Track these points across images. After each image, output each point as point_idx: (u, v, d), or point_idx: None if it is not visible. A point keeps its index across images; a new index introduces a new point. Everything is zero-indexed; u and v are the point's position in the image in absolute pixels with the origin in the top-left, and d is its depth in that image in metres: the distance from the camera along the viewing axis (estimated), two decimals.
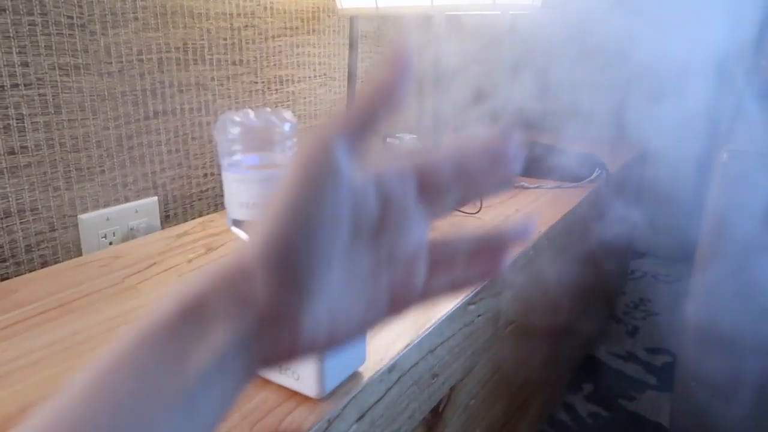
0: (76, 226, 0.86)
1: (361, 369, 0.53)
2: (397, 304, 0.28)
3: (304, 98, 1.23)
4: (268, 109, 0.48)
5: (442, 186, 0.28)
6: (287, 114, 0.47)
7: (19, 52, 0.76)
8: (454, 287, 0.29)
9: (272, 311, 0.24)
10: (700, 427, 1.11)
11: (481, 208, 0.99)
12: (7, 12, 0.74)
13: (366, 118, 0.25)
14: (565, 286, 1.11)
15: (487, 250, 0.29)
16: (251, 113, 0.47)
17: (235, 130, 0.46)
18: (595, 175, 1.18)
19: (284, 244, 0.23)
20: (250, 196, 0.46)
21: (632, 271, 1.96)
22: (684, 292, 1.78)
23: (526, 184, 1.15)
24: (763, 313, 0.98)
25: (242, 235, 0.48)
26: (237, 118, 0.46)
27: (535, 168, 1.18)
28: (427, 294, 0.29)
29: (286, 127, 0.47)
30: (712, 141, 1.82)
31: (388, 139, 1.22)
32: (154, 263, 0.78)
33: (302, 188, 0.23)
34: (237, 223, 0.47)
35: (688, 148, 1.88)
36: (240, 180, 0.46)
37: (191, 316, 0.24)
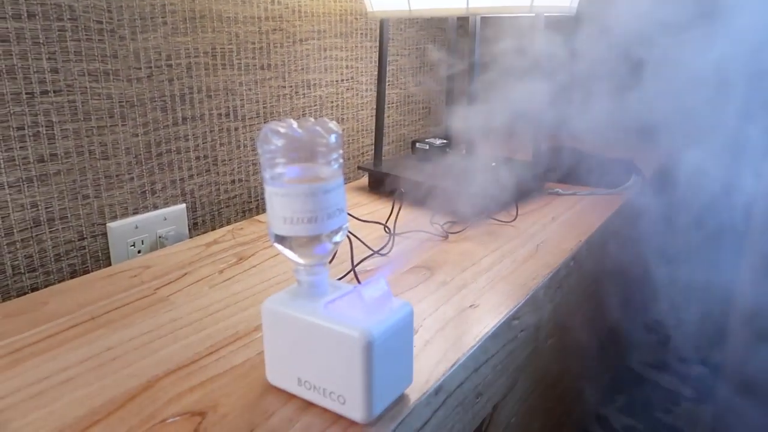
0: (104, 234, 0.84)
1: (407, 391, 0.51)
2: None
3: (332, 102, 1.21)
4: (312, 119, 0.45)
5: None
6: (333, 124, 0.45)
7: (49, 59, 0.74)
8: None
9: None
10: None
11: (517, 216, 0.96)
12: (37, 17, 0.73)
13: None
14: (602, 296, 1.07)
15: None
16: (295, 123, 0.45)
17: (279, 142, 0.44)
18: (631, 181, 1.14)
19: None
20: (293, 210, 0.44)
21: (663, 279, 1.91)
22: (717, 300, 1.72)
23: (560, 191, 1.11)
24: None
25: (286, 252, 0.46)
26: (281, 129, 0.44)
27: (569, 174, 1.15)
28: None
29: (332, 138, 0.44)
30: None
31: (418, 145, 1.20)
32: (186, 273, 0.76)
33: None
34: (280, 238, 0.45)
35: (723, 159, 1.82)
36: (283, 194, 0.44)
37: None
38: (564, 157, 1.24)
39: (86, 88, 0.79)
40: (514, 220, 0.95)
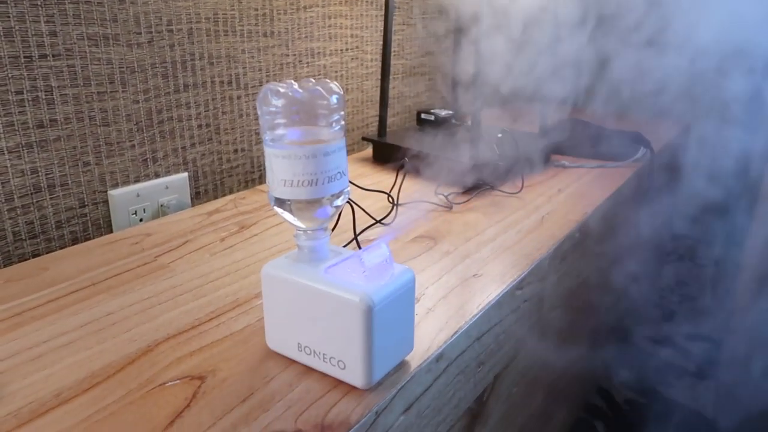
0: (106, 202, 0.84)
1: (408, 358, 0.50)
2: None
3: (336, 72, 1.19)
4: (312, 80, 0.44)
5: None
6: (334, 85, 0.44)
7: (47, 21, 0.73)
8: None
9: None
10: (747, 419, 1.07)
11: (522, 187, 0.95)
12: None
13: None
14: (607, 269, 1.07)
15: None
16: (295, 84, 0.44)
17: (279, 102, 0.42)
18: (640, 154, 1.12)
19: None
20: (294, 173, 0.43)
21: (668, 254, 1.90)
22: (721, 275, 1.71)
23: (566, 163, 1.10)
24: None
25: (286, 216, 0.45)
26: (281, 89, 0.42)
27: (576, 146, 1.13)
28: None
29: (334, 99, 0.43)
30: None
31: (423, 116, 1.18)
32: (187, 241, 0.76)
33: None
34: (280, 202, 0.44)
35: (734, 129, 1.79)
36: (283, 156, 0.43)
37: None
38: (571, 129, 1.22)
39: (86, 52, 0.77)
40: (520, 191, 0.94)
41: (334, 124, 0.44)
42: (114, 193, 0.84)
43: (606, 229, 0.96)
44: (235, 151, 1.01)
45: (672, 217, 1.71)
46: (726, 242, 1.84)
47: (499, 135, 1.03)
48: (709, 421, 1.15)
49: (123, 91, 0.83)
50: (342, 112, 0.45)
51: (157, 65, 0.86)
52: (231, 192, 1.02)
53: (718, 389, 1.13)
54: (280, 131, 0.44)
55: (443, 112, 1.16)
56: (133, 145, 0.86)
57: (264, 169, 1.07)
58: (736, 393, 1.08)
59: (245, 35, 0.98)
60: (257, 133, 1.04)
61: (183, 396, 0.46)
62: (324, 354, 0.45)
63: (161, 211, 0.90)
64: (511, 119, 1.21)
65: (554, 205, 0.89)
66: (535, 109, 1.14)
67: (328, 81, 0.44)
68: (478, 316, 0.58)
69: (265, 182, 1.07)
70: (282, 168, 0.43)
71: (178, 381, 0.48)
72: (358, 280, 0.44)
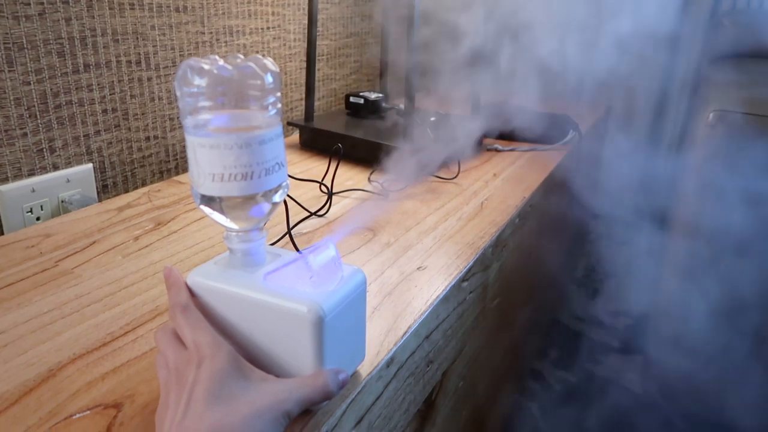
0: None
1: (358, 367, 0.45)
2: None
3: (257, 52, 1.11)
4: (241, 56, 0.38)
5: None
6: (268, 62, 0.38)
7: None
8: None
9: None
10: (671, 391, 1.11)
11: (459, 173, 0.92)
12: None
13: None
14: (539, 253, 1.06)
15: None
16: (220, 60, 0.37)
17: (201, 81, 0.36)
18: (569, 137, 1.12)
19: None
20: (224, 165, 0.36)
21: (588, 233, 1.96)
22: (639, 253, 1.79)
23: (499, 147, 1.08)
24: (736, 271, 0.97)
25: (215, 216, 0.39)
26: (204, 66, 0.36)
27: (507, 130, 1.11)
28: None
29: (269, 78, 0.37)
30: (666, 105, 1.81)
31: (352, 99, 1.12)
32: (94, 242, 0.67)
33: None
34: (207, 200, 0.37)
35: (646, 110, 1.87)
36: (210, 145, 0.36)
37: None
38: (502, 112, 1.21)
39: None
40: (456, 177, 0.91)
41: (269, 108, 0.38)
42: (3, 189, 0.73)
43: (540, 213, 0.95)
44: (147, 138, 0.92)
45: (598, 197, 1.76)
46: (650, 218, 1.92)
47: (433, 119, 1.00)
48: (636, 396, 1.19)
49: (10, 71, 0.71)
50: (278, 94, 0.39)
51: (51, 41, 0.75)
52: (144, 184, 0.92)
53: (644, 364, 1.17)
54: (204, 116, 0.37)
55: (373, 95, 1.11)
56: (25, 134, 0.75)
57: (181, 157, 0.98)
58: (662, 367, 1.12)
59: (154, 10, 0.88)
60: (172, 119, 0.95)
61: (95, 430, 0.39)
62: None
63: (62, 208, 0.80)
64: (440, 103, 1.17)
65: (492, 190, 0.87)
66: (465, 93, 1.12)
67: (261, 57, 0.38)
68: (426, 313, 0.54)
69: (182, 172, 0.98)
70: (209, 160, 0.37)
71: (88, 411, 0.40)
72: (304, 286, 0.38)
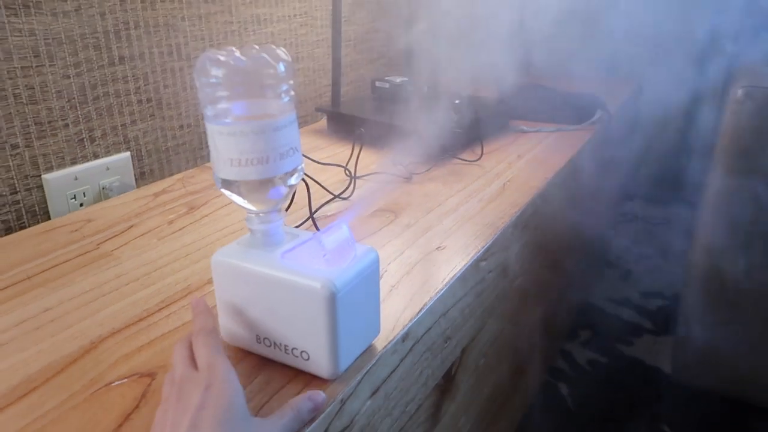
0: (40, 187, 0.78)
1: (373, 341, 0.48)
2: None
3: (285, 39, 1.13)
4: (257, 47, 0.40)
5: None
6: (281, 51, 0.40)
7: None
8: None
9: None
10: (703, 373, 1.10)
11: (482, 154, 0.93)
12: None
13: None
14: (567, 234, 1.07)
15: None
16: (237, 51, 0.39)
17: (219, 72, 0.38)
18: (597, 116, 1.11)
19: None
20: (241, 151, 0.39)
21: (622, 214, 1.94)
22: (675, 233, 1.76)
23: (525, 128, 1.08)
24: None
25: (235, 199, 0.41)
26: (221, 57, 0.38)
27: (534, 111, 1.11)
28: None
29: (281, 67, 0.39)
30: (702, 83, 1.76)
31: (377, 83, 1.14)
32: (132, 226, 0.71)
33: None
34: (227, 183, 0.40)
35: (681, 89, 1.82)
36: (228, 132, 0.39)
37: None
38: (528, 93, 1.20)
39: (4, 23, 0.70)
40: (480, 159, 0.92)
41: (283, 95, 0.40)
42: (49, 177, 0.78)
43: (566, 194, 0.96)
44: (181, 127, 0.96)
45: (627, 178, 1.74)
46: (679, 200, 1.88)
47: (457, 101, 1.01)
48: (666, 376, 1.18)
49: (51, 65, 0.76)
50: (291, 82, 0.41)
51: (87, 36, 0.79)
52: (178, 171, 0.96)
53: (675, 345, 1.16)
54: (222, 105, 0.40)
55: (398, 80, 1.12)
56: (67, 125, 0.79)
57: None
58: (692, 348, 1.11)
59: (184, 2, 0.91)
60: None
61: (131, 396, 0.42)
62: (286, 346, 0.42)
63: (103, 195, 0.84)
64: (467, 85, 1.18)
65: (515, 172, 0.87)
66: (492, 75, 1.12)
67: (274, 47, 0.40)
68: (443, 291, 0.56)
69: None
70: (227, 146, 0.40)
71: (125, 380, 0.44)
72: (319, 264, 0.41)
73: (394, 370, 0.50)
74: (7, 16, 0.70)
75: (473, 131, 0.95)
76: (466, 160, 0.91)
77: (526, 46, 1.05)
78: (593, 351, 1.28)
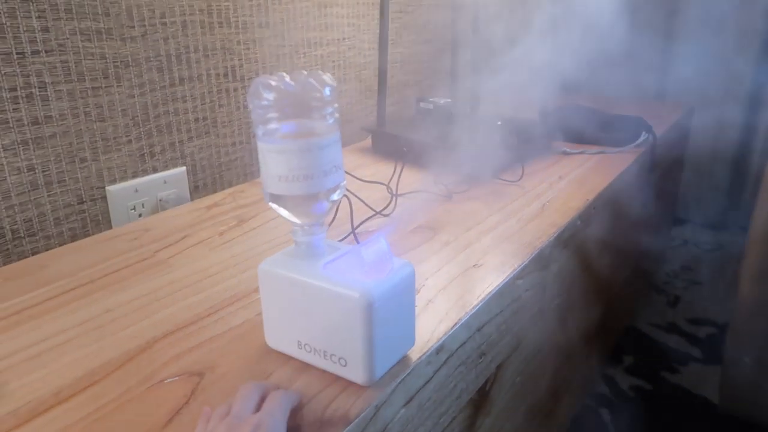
0: (104, 198, 0.83)
1: (408, 351, 0.50)
2: None
3: (333, 62, 1.18)
4: (305, 72, 0.43)
5: None
6: (327, 77, 0.43)
7: (39, 17, 0.72)
8: None
9: None
10: (752, 405, 1.07)
11: (523, 175, 0.94)
12: None
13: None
14: (609, 257, 1.06)
15: None
16: (287, 76, 0.43)
17: (270, 96, 0.42)
18: (641, 139, 1.11)
19: None
20: (289, 168, 0.42)
21: (672, 239, 1.89)
22: (726, 260, 1.70)
23: (568, 150, 1.09)
24: None
25: (281, 212, 0.45)
26: (272, 82, 0.42)
27: (577, 133, 1.12)
28: None
29: (327, 91, 0.42)
30: (757, 104, 1.71)
31: (422, 104, 1.17)
32: (185, 236, 0.75)
33: None
34: (275, 198, 0.43)
35: (733, 111, 1.78)
36: (277, 151, 0.42)
37: None
38: (572, 115, 1.21)
39: (78, 47, 0.77)
40: (520, 179, 0.93)
41: (327, 117, 0.43)
42: (112, 189, 0.84)
43: (608, 216, 0.95)
44: (233, 144, 1.01)
45: (675, 203, 1.70)
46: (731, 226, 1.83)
47: (499, 122, 1.02)
48: (714, 406, 1.15)
49: (118, 86, 0.82)
50: (336, 105, 0.44)
51: (152, 59, 0.85)
52: (230, 185, 1.01)
53: (723, 375, 1.13)
54: (272, 125, 0.43)
55: (442, 101, 1.15)
56: (130, 140, 0.85)
57: None
58: (741, 379, 1.08)
59: (240, 26, 0.97)
60: None
61: (182, 392, 0.46)
62: (325, 351, 0.45)
63: (160, 206, 0.90)
64: (510, 107, 1.19)
65: (555, 193, 0.88)
66: (536, 96, 1.13)
67: (321, 72, 0.44)
68: (478, 306, 0.58)
69: None
70: (276, 163, 0.43)
71: (177, 377, 0.47)
72: (358, 275, 0.43)
73: (428, 381, 0.52)
74: (82, 41, 0.77)
75: (514, 152, 0.97)
76: (506, 181, 0.93)
77: (572, 67, 1.06)
78: (637, 377, 1.26)
